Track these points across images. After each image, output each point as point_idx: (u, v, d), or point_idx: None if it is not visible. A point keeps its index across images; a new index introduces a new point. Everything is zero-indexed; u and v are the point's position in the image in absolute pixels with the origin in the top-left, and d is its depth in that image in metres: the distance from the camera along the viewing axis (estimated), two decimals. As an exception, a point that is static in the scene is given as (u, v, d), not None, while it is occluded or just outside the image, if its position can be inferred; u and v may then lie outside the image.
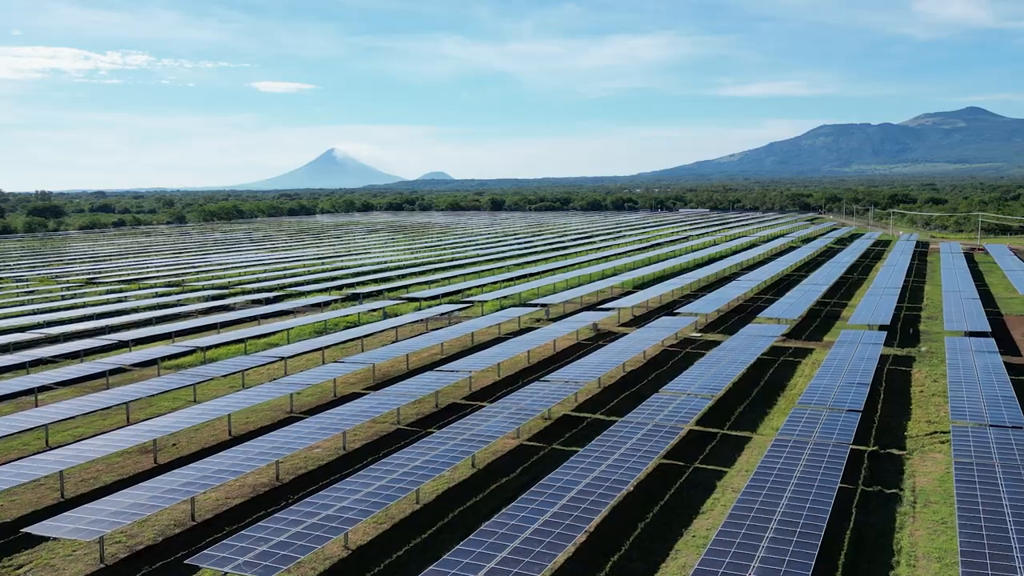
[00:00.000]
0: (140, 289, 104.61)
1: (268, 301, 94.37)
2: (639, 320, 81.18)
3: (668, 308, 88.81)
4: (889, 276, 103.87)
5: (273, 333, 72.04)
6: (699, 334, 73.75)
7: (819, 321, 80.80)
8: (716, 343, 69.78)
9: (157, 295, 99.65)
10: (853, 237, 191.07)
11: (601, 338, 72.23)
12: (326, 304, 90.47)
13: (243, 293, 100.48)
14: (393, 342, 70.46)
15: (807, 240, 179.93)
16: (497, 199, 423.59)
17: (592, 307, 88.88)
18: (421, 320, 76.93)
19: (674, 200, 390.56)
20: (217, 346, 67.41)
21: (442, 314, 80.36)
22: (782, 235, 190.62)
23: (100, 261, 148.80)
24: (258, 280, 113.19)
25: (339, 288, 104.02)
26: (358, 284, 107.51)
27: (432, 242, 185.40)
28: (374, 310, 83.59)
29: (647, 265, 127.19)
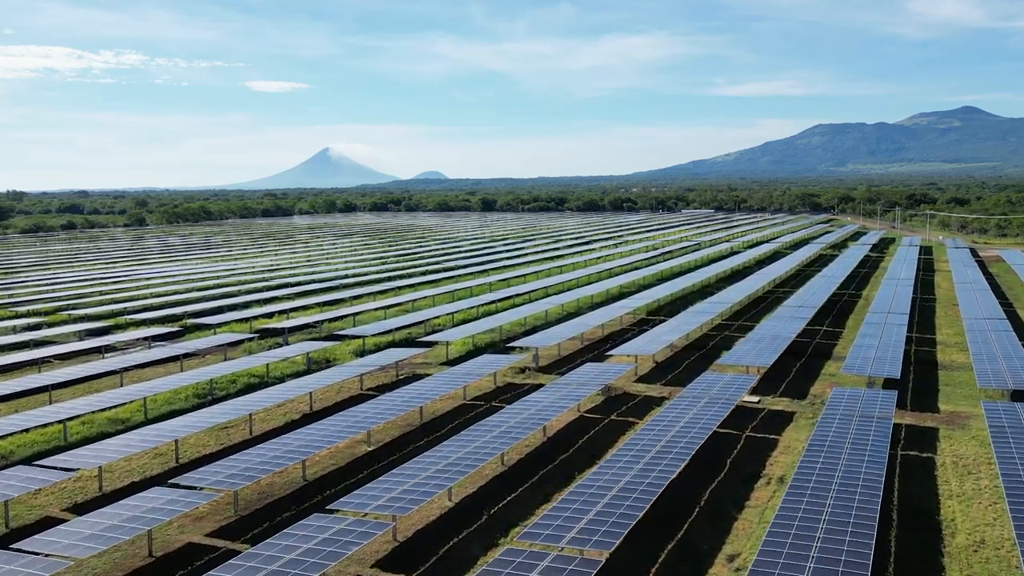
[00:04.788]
0: (5, 319, 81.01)
1: (166, 337, 70.91)
2: (666, 371, 57.94)
3: (701, 349, 65.65)
4: (973, 298, 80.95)
5: (127, 404, 48.37)
6: (755, 399, 50.55)
7: (916, 369, 57.68)
8: (787, 417, 46.64)
9: (27, 327, 76.15)
10: (885, 243, 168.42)
11: (616, 407, 48.99)
12: (236, 344, 67.10)
13: (139, 325, 77.00)
14: (302, 417, 47.22)
15: (836, 247, 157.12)
16: (488, 199, 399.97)
17: (597, 348, 65.66)
18: (356, 376, 53.67)
19: (675, 200, 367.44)
20: (25, 431, 43.89)
21: (388, 365, 56.86)
22: (805, 241, 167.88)
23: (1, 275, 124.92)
24: (170, 304, 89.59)
25: (268, 315, 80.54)
26: (295, 310, 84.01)
27: (409, 248, 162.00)
28: (297, 355, 60.17)
29: (660, 281, 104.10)
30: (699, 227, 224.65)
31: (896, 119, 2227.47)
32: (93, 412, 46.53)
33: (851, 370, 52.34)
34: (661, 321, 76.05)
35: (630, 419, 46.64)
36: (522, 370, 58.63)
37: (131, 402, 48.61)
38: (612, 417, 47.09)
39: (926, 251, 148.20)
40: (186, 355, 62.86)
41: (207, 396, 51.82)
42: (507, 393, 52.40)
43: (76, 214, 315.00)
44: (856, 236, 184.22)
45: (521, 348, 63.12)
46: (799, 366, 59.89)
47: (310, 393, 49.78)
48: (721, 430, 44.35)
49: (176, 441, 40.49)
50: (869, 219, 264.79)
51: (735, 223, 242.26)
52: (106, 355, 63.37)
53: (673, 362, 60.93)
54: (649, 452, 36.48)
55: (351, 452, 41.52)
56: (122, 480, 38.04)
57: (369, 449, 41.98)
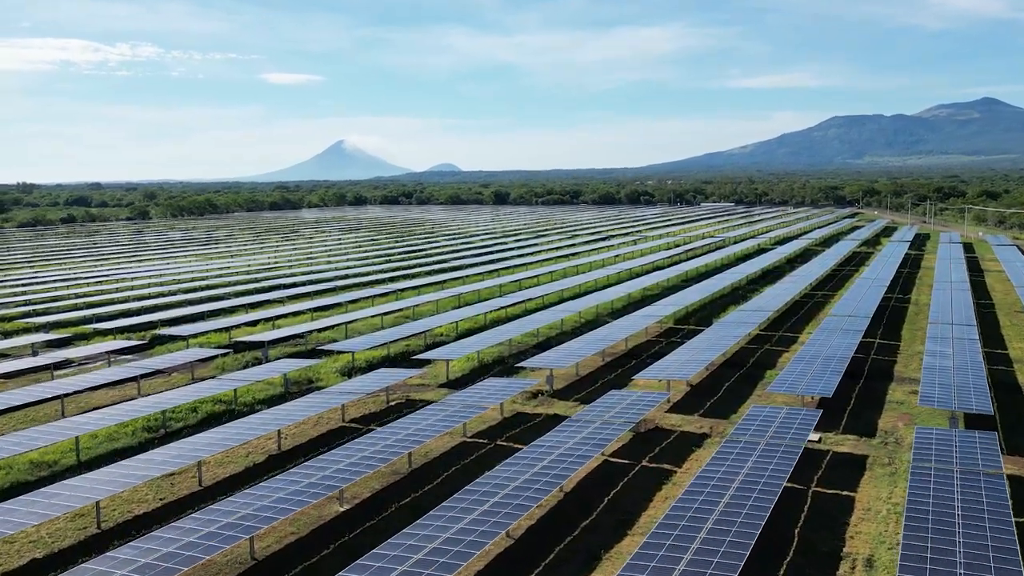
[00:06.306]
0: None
1: (131, 350, 62.74)
2: (703, 396, 49.24)
3: (740, 366, 56.95)
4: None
5: (60, 441, 39.91)
6: (815, 436, 41.77)
7: (996, 395, 48.74)
8: (858, 463, 37.92)
9: (-19, 337, 68.27)
10: (921, 239, 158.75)
11: (647, 448, 40.37)
12: (208, 360, 58.88)
13: (104, 336, 68.89)
14: (267, 459, 38.91)
15: (870, 243, 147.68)
16: (501, 192, 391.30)
17: (621, 365, 56.97)
18: (336, 406, 45.20)
19: (693, 193, 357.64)
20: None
21: (377, 390, 48.30)
22: (836, 237, 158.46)
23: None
24: (147, 309, 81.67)
25: (252, 324, 72.40)
26: (282, 317, 75.73)
27: (416, 244, 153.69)
28: (274, 376, 51.71)
29: (686, 283, 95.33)
30: (721, 221, 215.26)
31: (914, 111, 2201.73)
32: (15, 455, 38.18)
33: (930, 401, 43.44)
34: (691, 331, 67.46)
35: (666, 466, 38.06)
36: (534, 394, 50.10)
37: (65, 439, 40.34)
38: (644, 463, 38.51)
39: (968, 248, 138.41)
40: (147, 374, 54.55)
41: (159, 430, 43.62)
42: (516, 427, 43.93)
43: (80, 207, 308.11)
44: (889, 231, 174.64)
45: (532, 369, 54.45)
46: (859, 390, 51.09)
47: (279, 431, 41.33)
48: (794, 486, 35.42)
49: (97, 504, 32.13)
50: (897, 213, 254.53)
51: (758, 217, 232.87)
52: (55, 374, 55.29)
53: (710, 385, 52.20)
54: (701, 526, 27.90)
55: (318, 515, 33.12)
56: (21, 557, 29.83)
57: (341, 510, 33.58)
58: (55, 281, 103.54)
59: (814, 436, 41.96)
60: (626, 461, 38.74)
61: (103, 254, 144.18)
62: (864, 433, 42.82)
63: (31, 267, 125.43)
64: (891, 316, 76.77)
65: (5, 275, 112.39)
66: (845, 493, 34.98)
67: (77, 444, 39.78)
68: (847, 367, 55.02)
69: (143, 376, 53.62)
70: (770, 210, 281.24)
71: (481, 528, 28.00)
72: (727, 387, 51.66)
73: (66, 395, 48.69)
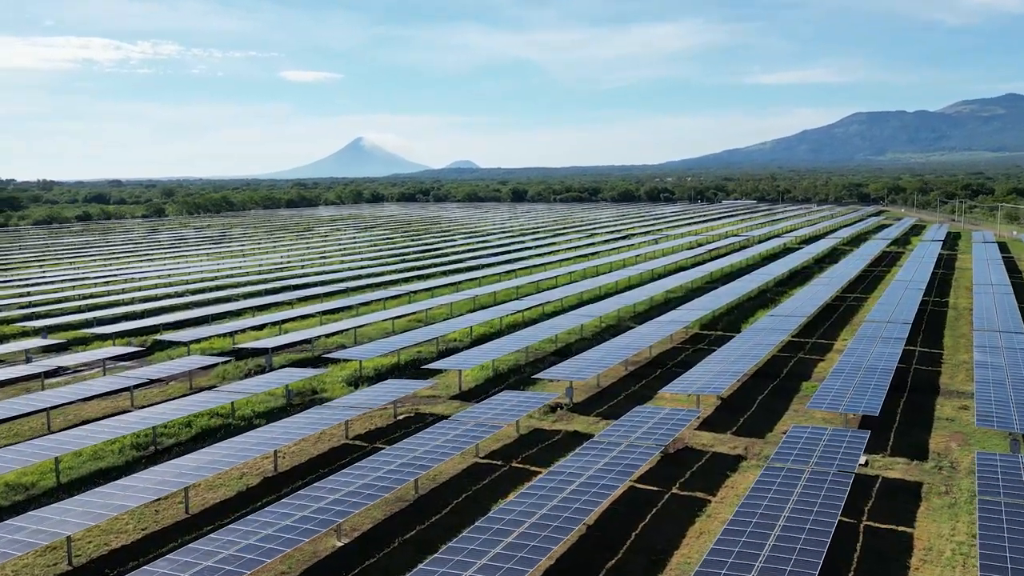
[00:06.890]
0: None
1: (130, 357, 59.77)
2: (736, 411, 45.54)
3: (773, 377, 53.22)
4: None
5: (40, 461, 36.79)
6: (861, 459, 38.02)
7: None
8: (911, 491, 34.21)
9: (-23, 341, 65.60)
10: (951, 238, 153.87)
11: (677, 472, 36.77)
12: (208, 368, 55.76)
13: (104, 340, 66.00)
14: (261, 483, 35.65)
15: (899, 242, 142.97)
16: (519, 189, 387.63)
17: (645, 375, 53.31)
18: (340, 422, 41.81)
19: (714, 191, 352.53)
20: None
21: (385, 404, 44.88)
22: (864, 236, 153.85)
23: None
24: (151, 311, 78.91)
25: (259, 328, 69.39)
26: (290, 320, 72.62)
27: (431, 243, 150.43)
28: (276, 387, 48.45)
29: (711, 284, 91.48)
30: (744, 220, 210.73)
31: (937, 107, 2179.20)
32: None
33: (987, 421, 39.54)
34: (718, 338, 63.75)
35: (699, 494, 34.47)
36: (553, 408, 46.61)
37: (46, 459, 37.25)
38: (674, 490, 34.94)
39: (1003, 248, 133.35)
40: (142, 384, 51.45)
41: (149, 447, 40.52)
42: (533, 446, 40.47)
43: (96, 204, 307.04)
44: (918, 230, 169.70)
45: (551, 380, 50.97)
46: (903, 405, 47.23)
47: (275, 451, 37.99)
48: (845, 522, 31.96)
49: (69, 539, 28.98)
50: (924, 211, 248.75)
51: (781, 215, 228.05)
52: (47, 383, 52.37)
53: (743, 399, 48.50)
54: (745, 575, 24.34)
55: (312, 550, 29.84)
56: (-21, 601, 26.79)
57: (339, 544, 30.30)
58: (61, 281, 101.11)
59: (860, 459, 38.22)
60: (654, 488, 35.18)
61: (114, 253, 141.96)
62: (915, 456, 39.04)
63: (39, 266, 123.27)
64: (930, 321, 72.68)
65: (11, 275, 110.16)
66: (901, 528, 31.30)
67: (57, 465, 36.68)
68: (900, 377, 51.55)
69: (138, 386, 50.59)
70: (793, 208, 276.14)
71: (493, 576, 24.58)
72: (761, 401, 47.96)
73: (54, 407, 45.69)
